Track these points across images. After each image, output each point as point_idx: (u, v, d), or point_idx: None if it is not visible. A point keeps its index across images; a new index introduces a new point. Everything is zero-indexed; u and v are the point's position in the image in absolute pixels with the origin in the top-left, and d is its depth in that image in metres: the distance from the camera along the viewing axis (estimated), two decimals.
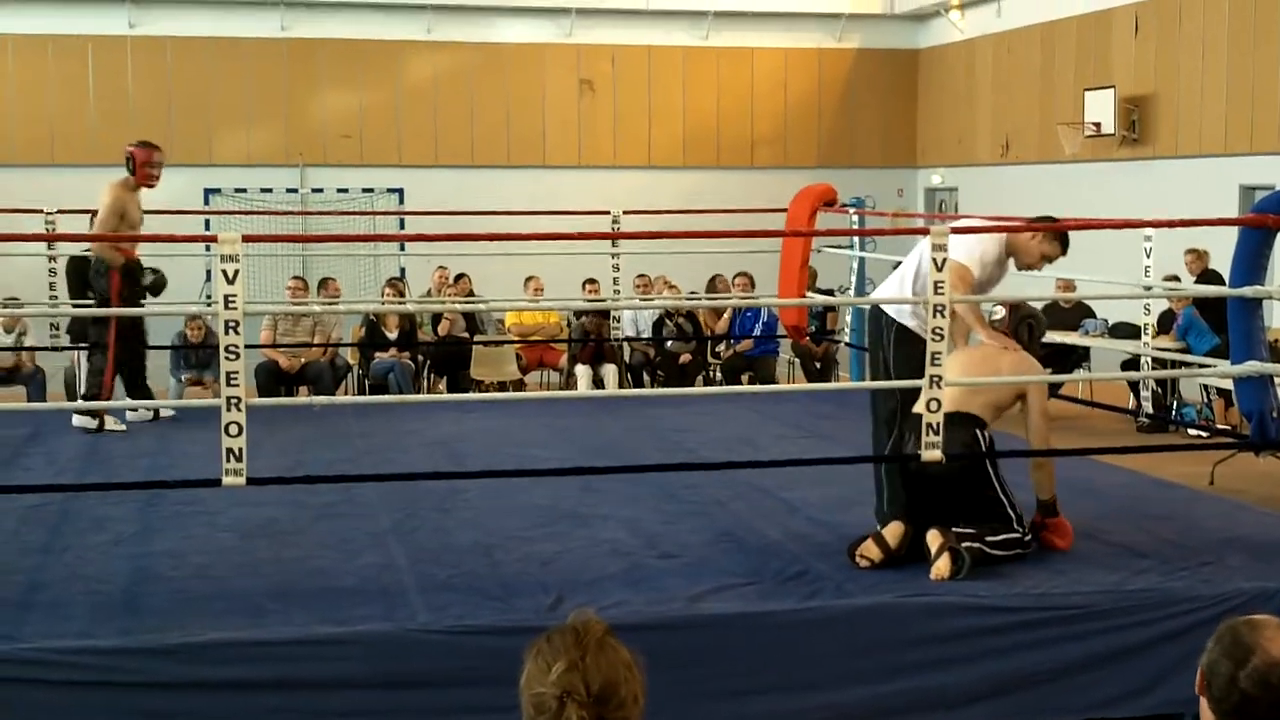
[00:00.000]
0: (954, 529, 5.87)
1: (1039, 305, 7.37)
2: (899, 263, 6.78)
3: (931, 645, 5.40)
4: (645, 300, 13.89)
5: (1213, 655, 2.67)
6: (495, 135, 23.57)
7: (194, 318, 12.65)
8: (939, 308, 5.80)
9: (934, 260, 5.81)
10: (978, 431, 6.10)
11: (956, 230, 6.33)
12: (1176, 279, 12.94)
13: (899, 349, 6.38)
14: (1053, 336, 13.14)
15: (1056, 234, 6.56)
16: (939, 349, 5.82)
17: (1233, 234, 6.78)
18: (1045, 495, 6.30)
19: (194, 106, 22.59)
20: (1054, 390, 6.82)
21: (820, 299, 11.44)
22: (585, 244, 11.46)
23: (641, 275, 14.67)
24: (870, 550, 5.93)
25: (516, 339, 14.09)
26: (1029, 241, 6.50)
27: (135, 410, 9.67)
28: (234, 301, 5.35)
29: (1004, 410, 6.33)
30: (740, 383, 13.31)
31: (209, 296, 16.30)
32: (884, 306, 6.50)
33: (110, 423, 9.48)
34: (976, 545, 5.84)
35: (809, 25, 24.50)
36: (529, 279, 14.05)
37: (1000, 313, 6.65)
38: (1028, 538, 6.07)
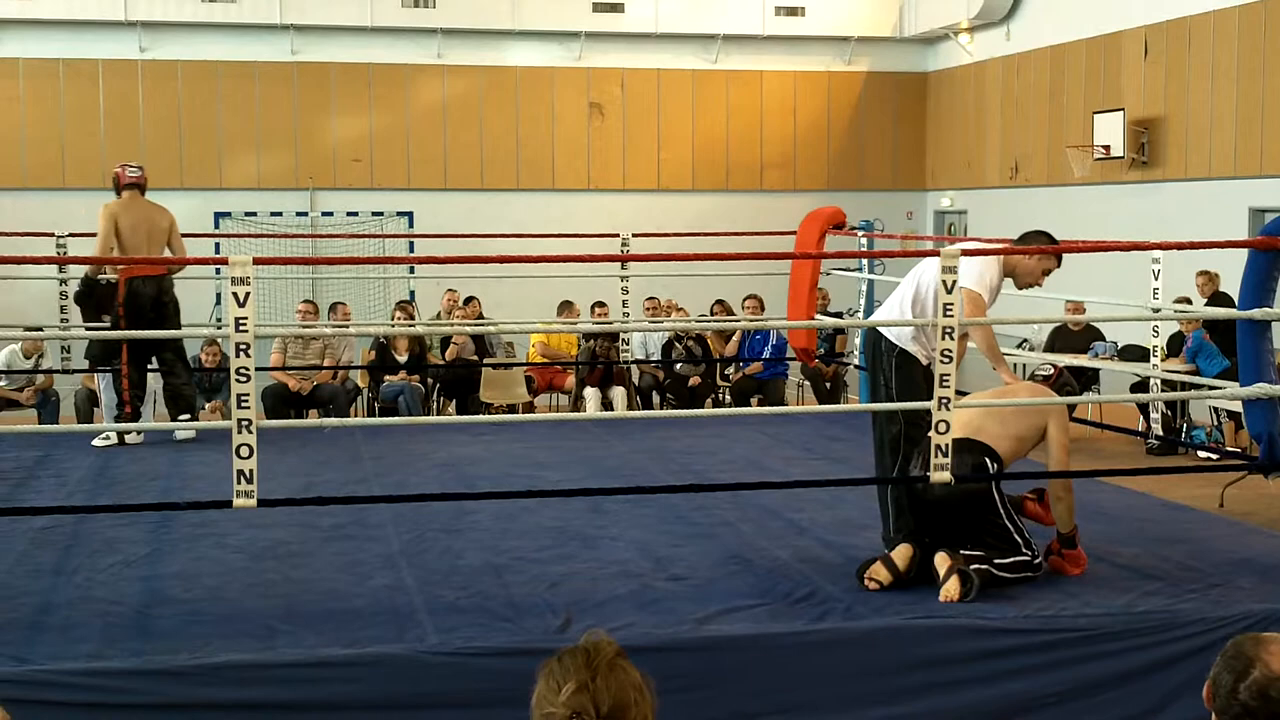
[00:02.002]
0: (962, 551, 5.88)
1: (1048, 328, 7.34)
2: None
3: (940, 667, 5.39)
4: (654, 323, 13.91)
5: (1218, 667, 2.71)
6: (505, 159, 23.64)
7: (210, 342, 12.70)
8: (947, 330, 5.80)
9: (944, 282, 5.82)
10: (987, 460, 6.10)
11: (966, 252, 6.34)
12: (1188, 301, 12.93)
13: (900, 373, 6.38)
14: (1062, 359, 13.13)
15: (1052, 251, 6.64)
16: (947, 370, 5.83)
17: (1244, 256, 6.79)
18: (1065, 529, 6.29)
19: (204, 130, 22.69)
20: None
21: (829, 321, 11.44)
22: (595, 267, 11.49)
23: (651, 298, 14.69)
24: (879, 572, 5.93)
25: (527, 362, 14.10)
26: (1028, 261, 6.54)
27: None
28: (245, 324, 5.37)
29: (1025, 444, 6.31)
30: (750, 405, 13.31)
31: (219, 319, 16.36)
32: (884, 331, 6.49)
33: (129, 437, 9.66)
34: (985, 567, 5.84)
35: (818, 49, 24.56)
36: (567, 304, 14.09)
37: (1049, 370, 6.68)
38: (1037, 560, 6.07)
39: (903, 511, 6.30)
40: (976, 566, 5.81)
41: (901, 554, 5.98)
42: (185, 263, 9.83)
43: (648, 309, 14.52)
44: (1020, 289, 6.70)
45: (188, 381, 10.22)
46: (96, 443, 9.56)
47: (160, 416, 10.37)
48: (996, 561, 5.90)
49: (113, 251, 9.67)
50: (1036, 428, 6.30)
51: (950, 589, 5.73)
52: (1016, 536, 6.04)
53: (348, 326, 13.61)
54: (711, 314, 14.57)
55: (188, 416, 9.96)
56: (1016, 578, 5.95)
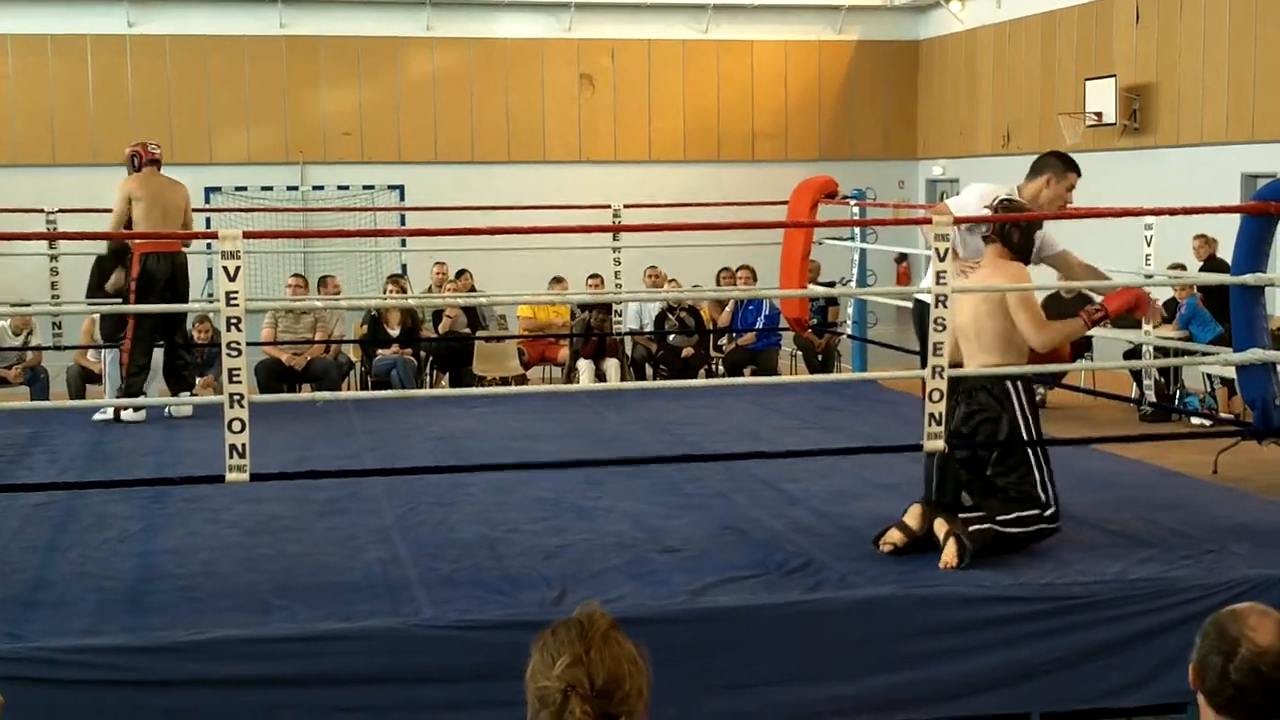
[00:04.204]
0: (962, 514, 5.86)
1: (1041, 295, 7.12)
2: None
3: (935, 636, 5.39)
4: (652, 294, 13.88)
5: (1202, 650, 2.68)
6: (495, 131, 23.60)
7: (202, 319, 12.67)
8: (940, 298, 5.79)
9: (936, 250, 5.81)
10: (1007, 384, 6.01)
11: (958, 221, 6.32)
12: (1182, 267, 12.92)
13: None
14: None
15: (1060, 166, 6.61)
16: (940, 339, 5.82)
17: (1238, 221, 6.78)
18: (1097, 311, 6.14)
19: (193, 105, 22.63)
20: (1057, 379, 6.77)
21: (821, 290, 11.41)
22: (587, 239, 11.44)
23: (652, 267, 14.63)
24: (894, 536, 5.91)
25: (520, 334, 14.08)
26: (1040, 189, 6.55)
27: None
28: (235, 298, 5.35)
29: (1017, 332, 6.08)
30: (743, 376, 13.30)
31: (211, 294, 16.32)
32: None
33: (128, 414, 9.66)
34: (987, 527, 5.80)
35: (809, 17, 24.51)
36: (556, 280, 14.06)
37: (986, 232, 6.18)
38: (1049, 511, 5.95)
39: (946, 478, 6.24)
40: (977, 527, 5.77)
41: (913, 514, 5.95)
42: (187, 237, 9.79)
43: (649, 277, 14.48)
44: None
45: (189, 362, 10.30)
46: (97, 417, 9.59)
47: (160, 393, 10.34)
48: (999, 518, 5.83)
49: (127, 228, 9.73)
50: (1003, 309, 6.02)
51: (949, 554, 5.72)
52: (1040, 474, 5.94)
53: (339, 300, 13.58)
54: (718, 283, 14.55)
55: (187, 394, 10.02)
56: (1025, 532, 5.87)
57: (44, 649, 4.83)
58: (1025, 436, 6.01)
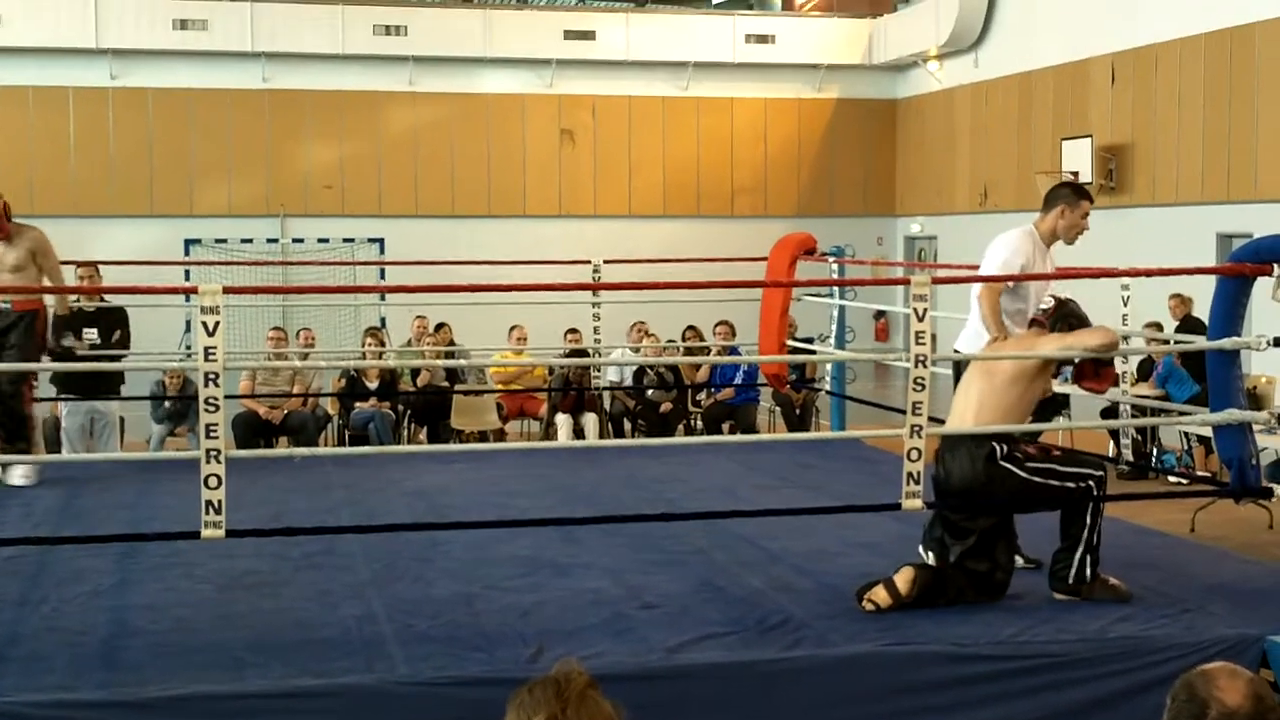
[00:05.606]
0: (967, 563, 5.96)
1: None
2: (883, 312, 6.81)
3: (913, 694, 5.37)
4: (635, 348, 13.88)
5: (1173, 712, 2.67)
6: (476, 185, 23.65)
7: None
8: (920, 358, 5.81)
9: (915, 311, 5.82)
10: (993, 445, 6.02)
11: (936, 281, 6.36)
12: (1159, 326, 12.98)
13: None
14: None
15: (1073, 195, 6.72)
16: (919, 398, 5.83)
17: (1212, 280, 6.82)
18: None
19: (175, 157, 22.64)
20: (1035, 438, 6.78)
21: (802, 356, 11.43)
22: (566, 293, 11.48)
23: (640, 322, 14.59)
24: (879, 595, 5.89)
25: (497, 388, 14.06)
26: (1056, 220, 6.60)
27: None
28: (214, 354, 5.34)
29: (1031, 391, 6.20)
30: (721, 431, 13.30)
31: (189, 347, 16.28)
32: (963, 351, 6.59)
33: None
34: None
35: (788, 76, 24.67)
36: (513, 328, 14.08)
37: (1049, 302, 6.47)
38: (1097, 476, 6.12)
39: (936, 516, 6.27)
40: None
41: (904, 576, 5.93)
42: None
43: (637, 331, 14.45)
44: (1069, 244, 6.74)
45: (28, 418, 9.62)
46: (17, 481, 9.10)
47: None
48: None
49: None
50: (1030, 372, 6.15)
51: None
52: (1063, 482, 6.04)
53: (319, 356, 13.56)
54: (683, 339, 14.56)
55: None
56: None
57: (15, 704, 4.78)
58: (1026, 471, 6.05)
